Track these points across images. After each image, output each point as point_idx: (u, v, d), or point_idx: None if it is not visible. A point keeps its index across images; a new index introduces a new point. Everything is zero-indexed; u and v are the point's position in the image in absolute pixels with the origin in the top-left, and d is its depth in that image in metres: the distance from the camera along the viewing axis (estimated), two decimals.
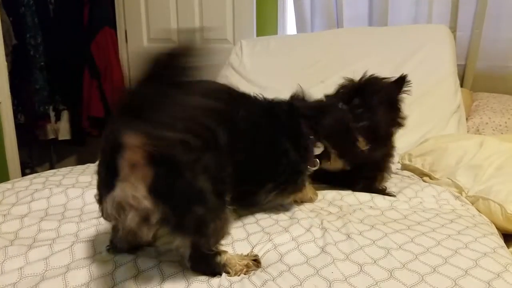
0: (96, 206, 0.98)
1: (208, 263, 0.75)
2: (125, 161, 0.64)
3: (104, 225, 0.91)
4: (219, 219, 0.72)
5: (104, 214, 0.71)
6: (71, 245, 0.83)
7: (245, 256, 0.80)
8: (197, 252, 0.73)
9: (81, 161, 1.51)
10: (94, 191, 1.02)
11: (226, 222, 0.75)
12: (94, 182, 1.13)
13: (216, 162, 0.71)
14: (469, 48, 2.11)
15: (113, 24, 2.79)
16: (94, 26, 2.75)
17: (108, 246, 0.82)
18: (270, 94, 1.03)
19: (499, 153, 1.16)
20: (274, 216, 0.98)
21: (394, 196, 1.10)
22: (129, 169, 0.64)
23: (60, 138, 2.97)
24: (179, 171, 0.65)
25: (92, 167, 1.32)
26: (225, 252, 0.77)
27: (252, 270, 0.77)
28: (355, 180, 1.14)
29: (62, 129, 2.98)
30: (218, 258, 0.75)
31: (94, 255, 0.81)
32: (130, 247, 0.81)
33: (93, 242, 0.85)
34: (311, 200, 1.07)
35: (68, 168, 1.30)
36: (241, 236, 0.88)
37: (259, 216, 0.98)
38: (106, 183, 0.68)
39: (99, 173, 0.73)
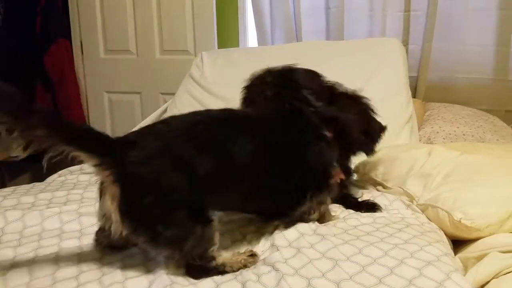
0: (38, 229, 0.95)
1: (204, 269, 0.77)
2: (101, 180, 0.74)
3: (45, 248, 0.87)
4: (193, 236, 0.74)
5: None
6: (5, 274, 0.78)
7: (241, 253, 0.83)
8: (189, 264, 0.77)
9: (36, 179, 1.45)
10: (36, 213, 0.99)
11: (204, 238, 0.76)
12: (38, 203, 1.09)
13: (185, 183, 0.73)
14: (421, 60, 2.19)
15: (67, 35, 2.71)
16: (47, 37, 2.66)
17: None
18: (232, 106, 0.99)
19: (446, 162, 1.20)
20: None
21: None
22: (104, 187, 0.73)
23: (12, 154, 2.84)
24: (143, 192, 0.70)
25: (38, 187, 1.26)
26: (219, 254, 0.78)
27: (251, 265, 0.80)
28: None
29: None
30: (213, 263, 0.77)
31: (30, 281, 0.77)
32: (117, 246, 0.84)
33: (31, 268, 0.80)
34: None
35: (11, 188, 1.24)
36: None
37: None
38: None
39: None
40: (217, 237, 0.78)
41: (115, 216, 0.70)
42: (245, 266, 0.79)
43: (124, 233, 0.72)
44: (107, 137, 0.74)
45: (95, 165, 0.72)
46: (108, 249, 0.85)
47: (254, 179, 0.84)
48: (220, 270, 0.78)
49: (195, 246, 0.76)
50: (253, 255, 0.82)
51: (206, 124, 0.83)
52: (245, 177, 0.83)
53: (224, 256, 0.79)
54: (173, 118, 0.87)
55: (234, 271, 0.78)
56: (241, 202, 0.87)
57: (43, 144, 0.67)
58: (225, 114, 0.90)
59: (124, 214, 0.70)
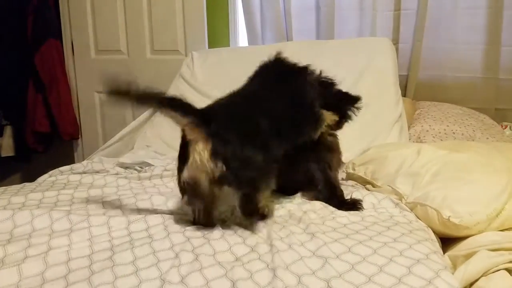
0: (28, 228, 0.95)
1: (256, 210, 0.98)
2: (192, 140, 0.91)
3: (34, 246, 0.86)
4: (267, 178, 0.96)
5: (181, 183, 0.94)
6: None
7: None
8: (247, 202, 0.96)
9: (26, 179, 1.44)
10: (26, 212, 0.98)
11: (271, 181, 0.98)
12: (28, 203, 1.09)
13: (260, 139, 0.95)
14: (411, 59, 2.21)
15: (58, 36, 2.69)
16: (38, 38, 2.64)
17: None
18: None
19: (435, 160, 1.21)
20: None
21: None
22: (195, 144, 0.90)
23: (3, 154, 2.81)
24: (230, 142, 0.90)
25: (28, 187, 1.25)
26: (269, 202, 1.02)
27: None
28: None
29: (5, 145, 2.82)
30: (265, 210, 1.00)
31: (19, 281, 0.76)
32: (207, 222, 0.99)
33: (20, 268, 0.80)
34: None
35: (2, 189, 1.23)
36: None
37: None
38: (182, 160, 0.93)
39: (179, 156, 0.96)
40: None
41: (208, 163, 0.88)
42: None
43: (216, 175, 0.89)
44: (194, 106, 0.92)
45: (186, 124, 0.91)
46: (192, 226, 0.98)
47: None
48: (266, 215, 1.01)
49: (265, 187, 0.97)
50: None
51: (250, 97, 1.09)
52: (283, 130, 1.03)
53: (270, 206, 1.03)
54: (230, 96, 1.08)
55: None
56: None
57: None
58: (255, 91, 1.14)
59: (215, 159, 0.88)
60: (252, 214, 0.98)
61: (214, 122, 0.90)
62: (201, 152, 0.89)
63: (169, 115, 0.93)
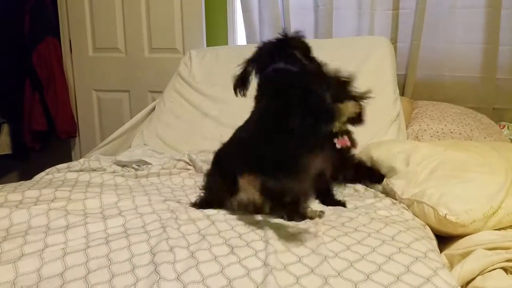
0: (24, 226, 0.94)
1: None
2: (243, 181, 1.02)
3: (30, 244, 0.86)
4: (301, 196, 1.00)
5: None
6: None
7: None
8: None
9: (24, 177, 1.43)
10: (23, 210, 0.98)
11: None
12: (25, 200, 1.08)
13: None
14: (409, 58, 2.21)
15: (56, 33, 2.68)
16: (36, 36, 2.63)
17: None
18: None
19: (431, 158, 1.21)
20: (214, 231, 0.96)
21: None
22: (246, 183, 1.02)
23: (0, 153, 2.81)
24: (270, 180, 0.95)
25: (25, 185, 1.24)
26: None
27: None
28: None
29: (3, 143, 2.82)
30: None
31: (16, 277, 0.76)
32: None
33: (16, 265, 0.79)
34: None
35: None
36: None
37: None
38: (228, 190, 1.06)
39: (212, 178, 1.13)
40: None
41: (257, 200, 1.02)
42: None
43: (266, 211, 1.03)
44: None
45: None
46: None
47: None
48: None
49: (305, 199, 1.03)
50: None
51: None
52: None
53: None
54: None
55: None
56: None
57: None
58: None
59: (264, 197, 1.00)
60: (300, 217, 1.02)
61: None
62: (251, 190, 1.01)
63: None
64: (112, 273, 0.78)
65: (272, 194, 0.97)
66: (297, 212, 1.03)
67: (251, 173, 0.99)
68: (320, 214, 1.05)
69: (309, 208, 1.07)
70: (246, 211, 1.06)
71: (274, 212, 1.04)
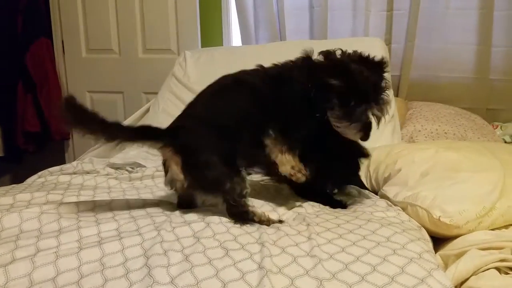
0: (16, 230, 0.93)
1: (240, 213, 1.01)
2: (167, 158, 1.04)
3: (21, 248, 0.85)
4: (231, 180, 1.00)
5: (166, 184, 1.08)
6: None
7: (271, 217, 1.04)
8: (229, 206, 1.01)
9: (17, 180, 1.42)
10: (14, 214, 0.97)
11: (238, 182, 1.01)
12: (16, 204, 1.07)
13: (218, 142, 1.02)
14: (403, 59, 2.22)
15: (49, 34, 2.67)
16: (29, 37, 2.61)
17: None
18: None
19: (424, 160, 1.21)
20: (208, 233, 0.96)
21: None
22: (168, 161, 1.03)
23: None
24: (192, 153, 1.00)
25: (17, 188, 1.23)
26: (252, 207, 1.03)
27: (271, 224, 1.00)
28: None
29: None
30: (250, 215, 1.01)
31: (7, 282, 0.75)
32: (188, 205, 1.09)
33: (6, 269, 0.78)
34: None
35: None
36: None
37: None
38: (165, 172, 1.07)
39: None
40: (247, 181, 1.02)
41: (179, 176, 1.01)
42: (266, 225, 1.00)
43: (185, 185, 1.01)
44: (160, 128, 1.04)
45: (159, 147, 1.03)
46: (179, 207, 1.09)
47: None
48: (250, 218, 1.00)
49: (234, 188, 1.00)
50: (280, 221, 1.03)
51: (219, 96, 1.12)
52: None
53: (254, 210, 1.03)
54: (196, 100, 1.13)
55: (258, 223, 1.00)
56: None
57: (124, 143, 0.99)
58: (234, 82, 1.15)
59: (185, 172, 1.00)
60: (240, 218, 1.01)
61: (180, 138, 1.02)
62: (174, 167, 1.01)
63: (141, 145, 1.07)
64: (105, 277, 0.77)
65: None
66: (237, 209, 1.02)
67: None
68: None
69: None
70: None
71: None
